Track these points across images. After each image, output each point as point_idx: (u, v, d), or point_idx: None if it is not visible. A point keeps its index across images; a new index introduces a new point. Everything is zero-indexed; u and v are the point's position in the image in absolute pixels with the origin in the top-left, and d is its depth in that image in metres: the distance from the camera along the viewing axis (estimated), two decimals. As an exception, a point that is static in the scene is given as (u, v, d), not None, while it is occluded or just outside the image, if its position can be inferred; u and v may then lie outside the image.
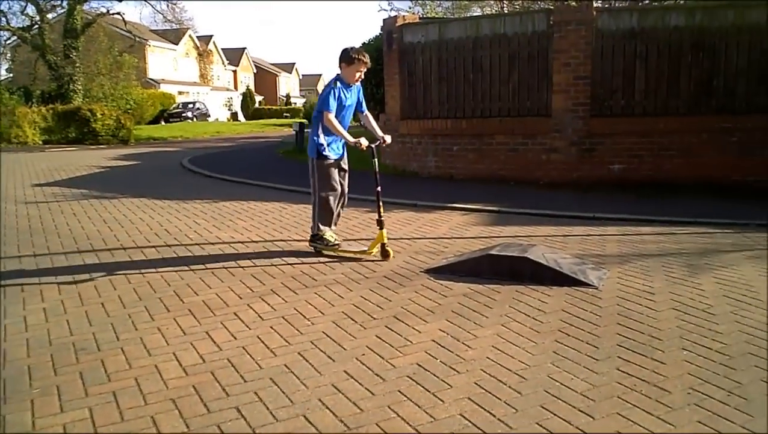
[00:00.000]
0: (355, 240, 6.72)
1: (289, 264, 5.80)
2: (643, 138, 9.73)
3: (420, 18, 12.18)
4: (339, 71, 5.92)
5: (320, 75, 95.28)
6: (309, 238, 6.29)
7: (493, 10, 23.76)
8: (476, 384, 3.36)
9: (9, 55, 36.81)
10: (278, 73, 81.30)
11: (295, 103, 69.49)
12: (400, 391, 3.30)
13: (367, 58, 5.83)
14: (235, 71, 72.17)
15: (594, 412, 3.04)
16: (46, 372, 3.62)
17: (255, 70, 77.82)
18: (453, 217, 7.97)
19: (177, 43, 56.88)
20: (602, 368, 3.53)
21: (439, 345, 3.90)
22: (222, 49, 68.66)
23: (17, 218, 8.39)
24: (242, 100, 63.18)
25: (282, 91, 79.25)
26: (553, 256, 5.41)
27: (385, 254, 5.90)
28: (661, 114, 9.76)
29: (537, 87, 10.29)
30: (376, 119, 13.67)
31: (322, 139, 5.90)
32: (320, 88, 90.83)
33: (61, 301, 4.86)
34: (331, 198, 6.03)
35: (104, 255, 6.29)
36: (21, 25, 32.36)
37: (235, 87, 70.70)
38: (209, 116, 52.54)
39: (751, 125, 9.40)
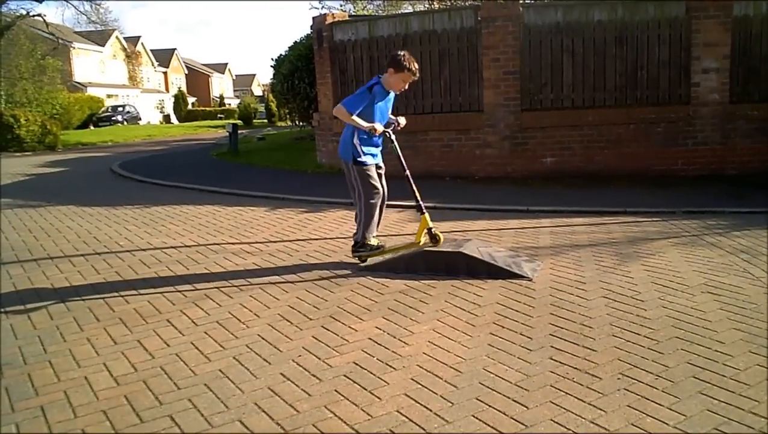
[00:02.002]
0: (291, 241, 6.67)
1: (223, 268, 5.72)
2: (573, 130, 9.95)
3: (350, 16, 12.15)
4: (383, 75, 5.46)
5: (254, 75, 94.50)
6: (352, 248, 5.74)
7: (424, 7, 23.89)
8: (412, 379, 3.38)
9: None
10: (211, 74, 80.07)
11: (230, 104, 68.54)
12: (336, 391, 3.29)
13: (417, 70, 5.37)
14: (165, 73, 70.74)
15: (528, 401, 3.09)
16: (-32, 389, 3.48)
17: (186, 72, 76.43)
18: (390, 214, 7.97)
19: (103, 45, 55.38)
20: (536, 358, 3.59)
21: (376, 342, 3.90)
22: (151, 50, 67.19)
23: (-64, 230, 8.03)
24: (174, 103, 61.96)
25: (215, 92, 78.05)
26: (487, 250, 5.48)
27: (434, 238, 5.44)
28: (589, 106, 10.00)
29: (468, 83, 10.40)
30: (311, 117, 13.66)
31: (357, 142, 5.44)
32: (254, 88, 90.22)
33: (-16, 315, 4.67)
34: (378, 204, 5.63)
35: (30, 266, 6.08)
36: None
37: (167, 89, 69.31)
38: (140, 119, 51.38)
39: (674, 115, 9.72)
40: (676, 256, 5.61)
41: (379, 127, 5.32)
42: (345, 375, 3.46)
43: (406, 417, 2.99)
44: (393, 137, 5.54)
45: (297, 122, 18.51)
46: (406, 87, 5.53)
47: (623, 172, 9.71)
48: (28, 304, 4.89)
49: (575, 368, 3.44)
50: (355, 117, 5.28)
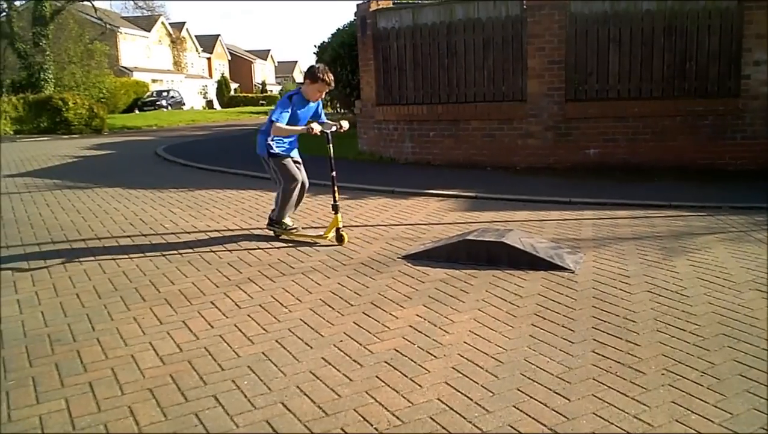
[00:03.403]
0: (303, 228, 6.72)
1: (266, 252, 5.78)
2: (618, 122, 9.79)
3: (393, 3, 12.11)
4: (302, 86, 6.00)
5: (296, 62, 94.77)
6: (267, 222, 6.40)
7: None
8: (453, 368, 3.38)
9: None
10: (253, 61, 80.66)
11: (271, 91, 69.06)
12: (377, 377, 3.31)
13: (331, 81, 5.88)
14: (209, 58, 71.47)
15: (570, 394, 3.08)
16: (21, 363, 3.59)
17: (230, 58, 77.11)
18: (430, 203, 7.99)
19: (149, 31, 56.16)
20: (578, 350, 3.57)
21: (417, 330, 3.92)
22: (195, 36, 67.92)
23: (-11, 209, 8.27)
24: (217, 88, 62.66)
25: (257, 78, 78.66)
26: (529, 240, 5.45)
27: (339, 238, 5.98)
28: (635, 98, 9.82)
29: (512, 72, 10.31)
30: (353, 105, 13.67)
31: (270, 140, 5.95)
32: (296, 75, 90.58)
33: (36, 292, 4.80)
34: (296, 190, 6.10)
35: (78, 246, 6.23)
36: (-12, 13, 31.75)
37: (210, 75, 70.04)
38: (184, 104, 52.03)
39: (723, 108, 9.50)
40: (723, 252, 5.50)
41: (317, 128, 5.81)
42: (386, 362, 3.48)
43: (447, 406, 3.00)
44: (330, 138, 5.97)
45: (338, 109, 18.57)
46: (323, 96, 6.12)
47: (668, 165, 9.53)
48: (77, 283, 5.01)
49: (618, 362, 3.41)
50: (292, 128, 5.85)
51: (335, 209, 5.94)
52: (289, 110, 5.83)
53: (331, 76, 5.89)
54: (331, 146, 5.97)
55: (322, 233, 6.18)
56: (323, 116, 6.29)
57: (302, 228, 6.46)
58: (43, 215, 7.71)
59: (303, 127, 5.85)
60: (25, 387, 3.30)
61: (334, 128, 6.04)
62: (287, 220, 6.28)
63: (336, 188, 5.98)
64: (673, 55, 9.66)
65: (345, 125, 6.11)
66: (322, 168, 6.44)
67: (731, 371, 3.29)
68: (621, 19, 9.71)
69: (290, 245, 6.01)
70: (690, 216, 6.89)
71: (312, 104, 6.03)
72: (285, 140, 6.02)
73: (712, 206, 7.26)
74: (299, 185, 6.12)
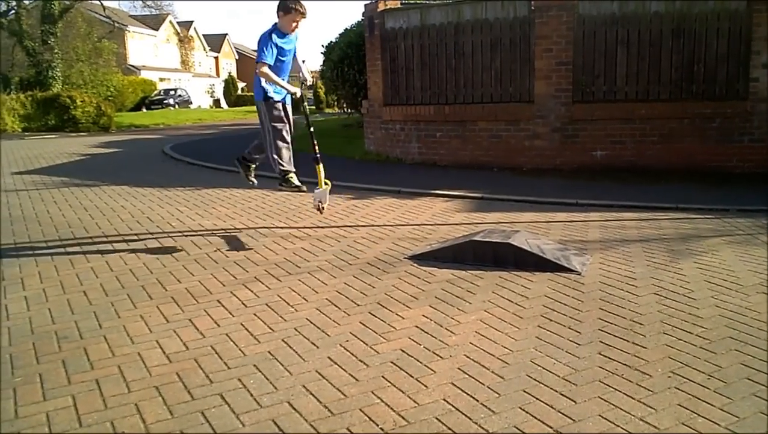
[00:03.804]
0: (339, 227, 6.73)
1: (272, 251, 5.79)
2: (625, 124, 9.77)
3: (401, 3, 12.11)
4: (276, 20, 6.04)
5: (303, 61, 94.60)
6: (279, 180, 6.37)
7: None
8: (459, 369, 3.38)
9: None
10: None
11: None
12: (383, 377, 3.31)
13: (304, 9, 5.98)
14: (216, 57, 71.62)
15: (576, 396, 3.07)
16: (29, 360, 3.60)
17: (237, 57, 77.20)
18: (436, 203, 7.99)
19: (157, 29, 56.32)
20: (584, 352, 3.56)
21: (423, 330, 3.92)
22: (203, 35, 68.06)
23: (-3, 206, 8.31)
24: (224, 87, 62.74)
25: (264, 77, 78.63)
26: (536, 242, 5.44)
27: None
28: (642, 100, 9.80)
29: (519, 73, 10.29)
30: (360, 105, 13.68)
31: (265, 83, 6.07)
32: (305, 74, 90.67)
33: (43, 289, 4.82)
34: (284, 130, 6.20)
35: (86, 243, 6.25)
36: (-3, 11, 31.88)
37: (217, 74, 70.18)
38: (191, 103, 52.16)
39: (731, 111, 9.46)
40: (730, 255, 5.49)
41: (299, 92, 6.07)
42: (392, 362, 3.49)
43: (453, 406, 3.00)
44: (304, 98, 6.24)
45: (345, 109, 18.57)
46: (298, 26, 6.09)
47: (675, 167, 9.51)
48: (84, 280, 5.03)
49: (625, 364, 3.40)
50: (279, 80, 5.96)
51: (316, 160, 6.17)
52: (274, 48, 5.94)
53: (304, 6, 5.99)
54: (306, 104, 6.35)
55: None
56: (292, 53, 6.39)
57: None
58: (50, 213, 7.74)
59: (291, 87, 6.02)
60: (32, 383, 3.31)
61: (303, 84, 6.30)
62: (296, 180, 6.26)
63: (315, 142, 6.24)
64: (681, 57, 9.63)
65: (308, 76, 6.43)
66: (327, 164, 6.45)
67: (738, 374, 3.28)
68: (629, 21, 9.69)
69: (296, 244, 6.02)
70: (697, 219, 6.87)
71: (291, 36, 6.12)
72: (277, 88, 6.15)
73: (720, 208, 7.24)
74: (286, 127, 6.24)
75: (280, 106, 6.19)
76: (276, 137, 6.17)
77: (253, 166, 6.92)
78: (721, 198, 7.73)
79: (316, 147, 6.23)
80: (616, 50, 9.80)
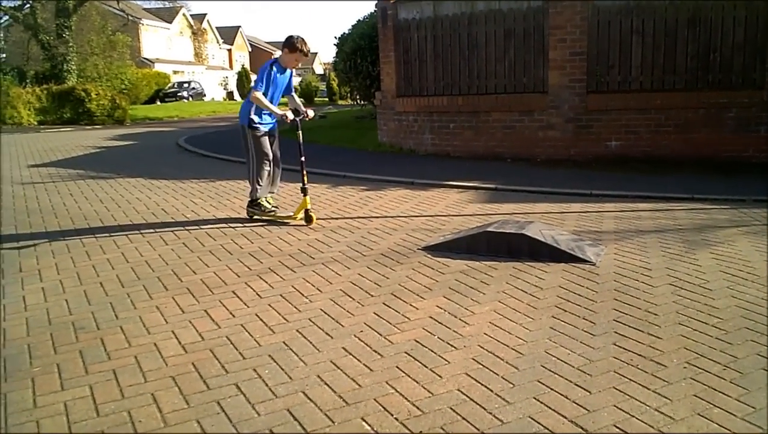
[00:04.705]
0: (352, 218, 6.73)
1: (286, 243, 5.81)
2: (640, 114, 9.70)
3: (415, -6, 12.08)
4: (280, 54, 6.50)
5: (316, 53, 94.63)
6: (246, 204, 6.82)
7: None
8: (473, 359, 3.39)
9: (1, 35, 36.46)
10: (274, 52, 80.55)
11: (291, 82, 68.89)
12: (398, 367, 3.32)
13: (308, 51, 6.42)
14: (230, 50, 71.67)
15: (590, 386, 3.07)
16: (46, 350, 3.65)
17: (250, 49, 77.29)
18: (450, 194, 7.98)
19: (171, 22, 56.40)
20: (599, 343, 3.56)
21: (437, 321, 3.92)
22: (216, 27, 68.13)
23: (14, 198, 8.38)
24: (238, 80, 62.59)
25: (277, 69, 78.62)
26: (550, 232, 5.43)
27: (308, 219, 6.44)
28: (658, 89, 9.72)
29: (533, 63, 10.24)
30: (373, 96, 13.67)
31: (253, 113, 6.39)
32: (315, 67, 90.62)
33: (60, 281, 4.87)
34: (266, 166, 6.54)
35: (102, 235, 6.29)
36: (12, 5, 32.06)
37: (231, 66, 70.24)
38: (205, 95, 52.25)
39: (747, 101, 9.37)
40: (746, 245, 5.44)
41: (290, 115, 6.32)
42: (406, 352, 3.50)
43: (467, 396, 3.01)
44: (299, 125, 6.41)
45: (358, 101, 18.55)
46: (299, 65, 6.64)
47: (691, 158, 9.43)
48: (101, 271, 5.07)
49: (640, 355, 3.39)
50: (271, 105, 6.28)
51: (304, 192, 6.41)
52: (270, 75, 6.30)
53: (308, 47, 6.43)
54: (300, 133, 6.45)
55: (291, 213, 6.66)
56: (292, 88, 6.77)
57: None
58: (66, 205, 7.80)
59: (280, 111, 6.29)
60: (49, 373, 3.35)
61: (301, 116, 6.50)
62: (265, 202, 6.68)
63: (305, 172, 6.45)
64: (697, 46, 9.54)
65: (310, 113, 6.65)
66: (341, 156, 6.46)
67: (754, 365, 3.26)
68: (644, 10, 9.61)
69: (310, 235, 6.04)
70: (713, 209, 6.82)
71: (288, 72, 6.55)
72: (267, 117, 6.48)
73: (736, 199, 7.18)
74: (270, 162, 6.57)
75: (265, 137, 6.50)
76: (259, 162, 6.50)
77: (268, 205, 6.85)
78: (737, 188, 7.66)
79: (305, 177, 6.47)
80: (631, 40, 9.72)
